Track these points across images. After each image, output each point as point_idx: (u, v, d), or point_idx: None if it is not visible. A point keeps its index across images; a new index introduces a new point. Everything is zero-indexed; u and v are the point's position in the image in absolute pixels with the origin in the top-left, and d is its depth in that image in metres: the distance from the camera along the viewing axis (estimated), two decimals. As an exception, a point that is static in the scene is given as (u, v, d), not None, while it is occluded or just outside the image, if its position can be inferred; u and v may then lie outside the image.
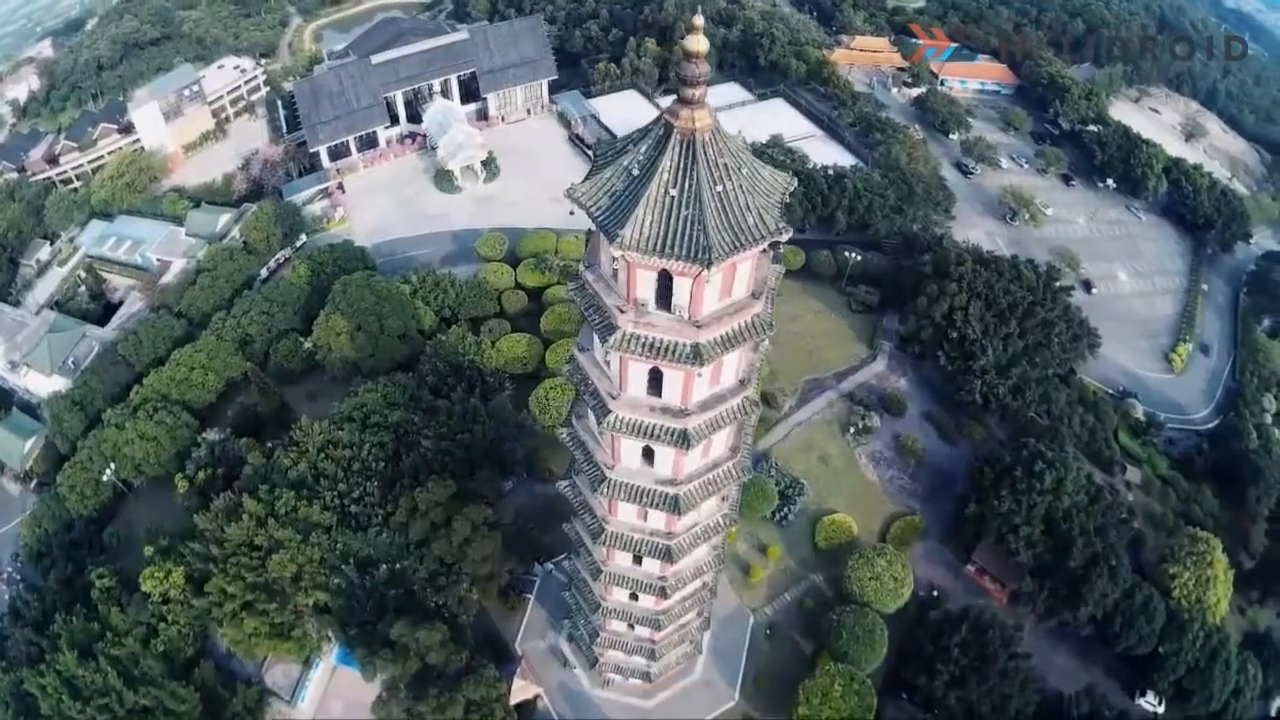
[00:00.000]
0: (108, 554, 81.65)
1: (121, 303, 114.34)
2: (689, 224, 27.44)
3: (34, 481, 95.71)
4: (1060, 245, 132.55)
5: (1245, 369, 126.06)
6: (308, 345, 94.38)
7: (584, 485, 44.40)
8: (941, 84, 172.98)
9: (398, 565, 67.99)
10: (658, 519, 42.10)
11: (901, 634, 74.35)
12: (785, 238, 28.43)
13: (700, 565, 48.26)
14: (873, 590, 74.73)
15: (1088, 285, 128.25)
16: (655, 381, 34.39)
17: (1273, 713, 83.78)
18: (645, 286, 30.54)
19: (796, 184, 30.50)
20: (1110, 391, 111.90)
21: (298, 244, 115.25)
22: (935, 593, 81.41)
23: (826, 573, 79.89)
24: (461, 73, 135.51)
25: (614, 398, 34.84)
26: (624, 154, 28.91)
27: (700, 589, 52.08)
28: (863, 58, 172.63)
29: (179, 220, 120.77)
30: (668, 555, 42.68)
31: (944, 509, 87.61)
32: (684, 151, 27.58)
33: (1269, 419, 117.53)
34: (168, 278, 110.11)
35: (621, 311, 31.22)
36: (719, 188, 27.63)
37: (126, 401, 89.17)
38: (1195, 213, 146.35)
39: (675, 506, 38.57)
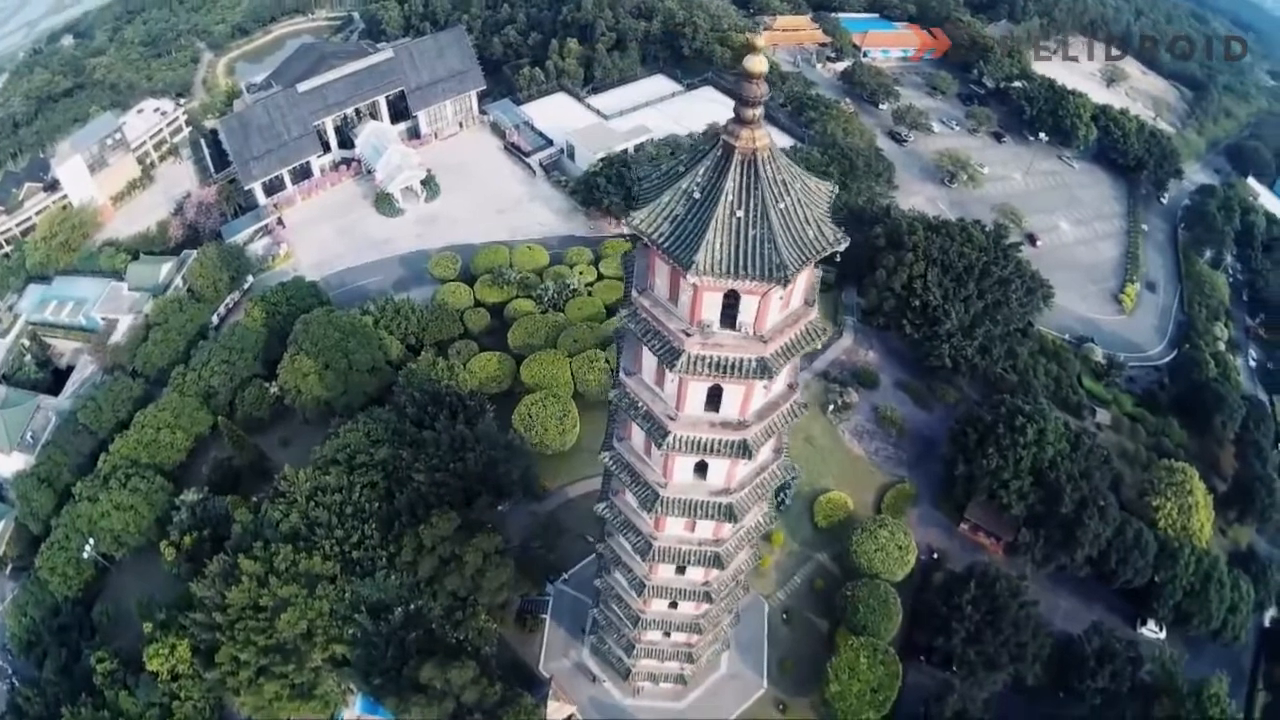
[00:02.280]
0: (100, 634, 78.04)
1: (71, 368, 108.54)
2: (758, 243, 27.27)
3: (9, 567, 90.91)
4: (1001, 202, 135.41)
5: (1193, 301, 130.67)
6: (274, 390, 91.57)
7: (626, 505, 44.02)
8: (864, 55, 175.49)
9: (412, 606, 65.86)
10: (706, 528, 42.02)
11: (910, 599, 76.00)
12: (844, 246, 28.55)
13: (739, 566, 48.43)
14: (880, 561, 76.19)
15: (1032, 238, 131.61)
16: (714, 397, 34.05)
17: (1266, 624, 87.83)
18: (711, 307, 30.19)
19: (837, 190, 30.58)
20: (1068, 339, 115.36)
21: (245, 286, 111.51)
22: (935, 555, 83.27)
23: (830, 550, 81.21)
24: (390, 93, 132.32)
25: (672, 419, 34.43)
26: (678, 177, 28.53)
27: (735, 588, 52.30)
28: (786, 37, 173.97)
29: (119, 275, 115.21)
30: (717, 562, 42.70)
31: (932, 473, 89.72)
32: (746, 172, 27.40)
33: (1222, 346, 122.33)
34: (117, 336, 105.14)
35: (687, 335, 30.72)
36: (781, 204, 27.55)
37: (95, 472, 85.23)
38: (1126, 156, 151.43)
39: (730, 515, 38.54)
